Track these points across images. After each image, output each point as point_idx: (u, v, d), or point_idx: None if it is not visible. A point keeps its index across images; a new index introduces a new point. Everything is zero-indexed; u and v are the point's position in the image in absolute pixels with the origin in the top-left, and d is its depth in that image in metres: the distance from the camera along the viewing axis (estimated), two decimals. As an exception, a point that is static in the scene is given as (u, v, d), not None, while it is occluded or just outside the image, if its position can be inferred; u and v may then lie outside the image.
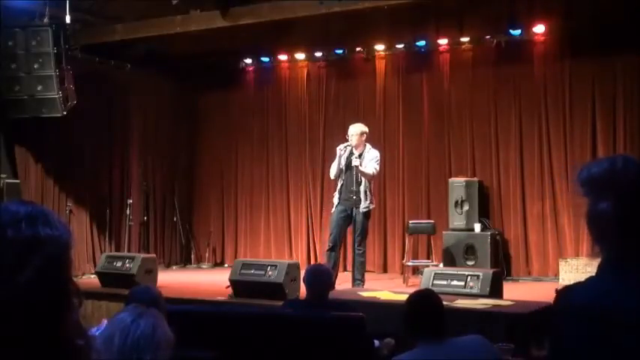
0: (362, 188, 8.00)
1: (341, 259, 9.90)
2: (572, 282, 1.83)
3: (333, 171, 8.23)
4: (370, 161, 8.07)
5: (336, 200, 8.22)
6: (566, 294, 1.75)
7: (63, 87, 8.73)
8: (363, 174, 7.98)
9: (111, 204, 10.54)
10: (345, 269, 9.79)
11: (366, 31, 9.81)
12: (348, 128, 8.29)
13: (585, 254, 8.85)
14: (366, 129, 8.24)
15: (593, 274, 1.70)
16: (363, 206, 8.01)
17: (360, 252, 8.17)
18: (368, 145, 8.21)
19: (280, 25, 9.04)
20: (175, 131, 11.60)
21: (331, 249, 8.16)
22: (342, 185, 8.16)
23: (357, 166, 7.95)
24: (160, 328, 2.04)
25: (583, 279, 1.76)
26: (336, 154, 8.22)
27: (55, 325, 1.22)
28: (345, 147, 8.11)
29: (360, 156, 8.05)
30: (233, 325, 4.33)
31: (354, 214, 8.05)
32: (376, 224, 10.32)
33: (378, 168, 8.17)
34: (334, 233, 8.18)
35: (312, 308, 4.68)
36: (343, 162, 8.09)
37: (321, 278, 4.82)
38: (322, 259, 9.27)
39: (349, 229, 8.32)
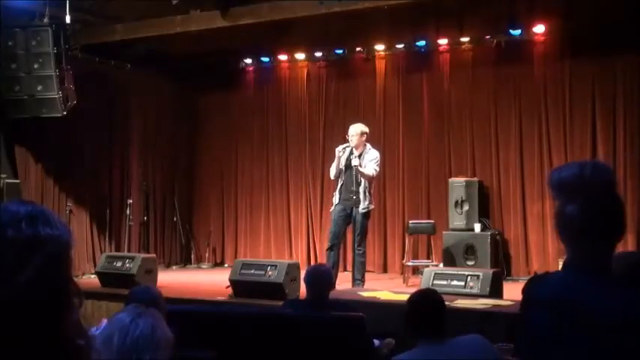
0: (361, 189, 8.00)
1: (341, 259, 9.91)
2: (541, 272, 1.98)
3: (332, 171, 8.23)
4: (370, 162, 8.07)
5: (335, 200, 8.23)
6: (534, 284, 1.88)
7: (63, 87, 8.73)
8: (363, 174, 7.98)
9: (111, 204, 10.54)
10: (345, 269, 9.80)
11: (366, 31, 9.81)
12: (348, 128, 8.28)
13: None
14: (366, 129, 8.23)
15: (559, 269, 1.84)
16: (363, 207, 8.01)
17: (360, 252, 8.17)
18: (368, 145, 8.21)
19: (280, 25, 9.04)
20: (175, 131, 11.59)
21: (330, 248, 8.16)
22: (341, 185, 8.16)
23: (356, 166, 7.95)
24: (159, 328, 2.04)
25: (550, 271, 1.92)
26: (335, 155, 8.22)
27: (55, 325, 1.22)
28: (344, 147, 8.11)
29: (359, 156, 8.05)
30: (233, 325, 4.33)
31: (353, 213, 8.06)
32: (376, 224, 10.32)
33: (377, 169, 8.17)
34: (333, 233, 8.18)
35: (312, 308, 4.68)
36: (343, 162, 8.09)
37: (321, 278, 4.82)
38: (322, 259, 9.27)
39: (349, 229, 8.32)
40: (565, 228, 1.78)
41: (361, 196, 7.99)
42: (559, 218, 1.79)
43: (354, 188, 8.01)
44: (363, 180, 8.00)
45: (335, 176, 8.22)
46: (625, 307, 1.67)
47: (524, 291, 1.88)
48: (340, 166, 8.10)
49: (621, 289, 1.73)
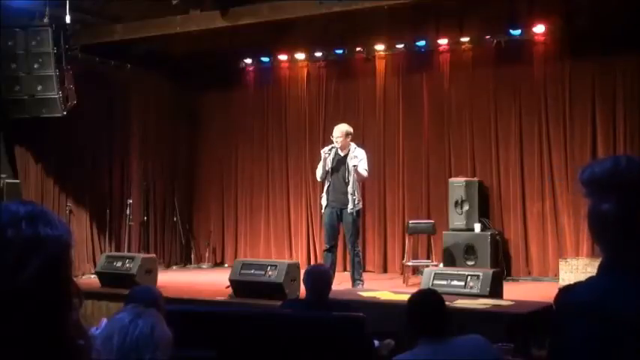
0: (349, 189, 8.00)
1: (341, 259, 9.92)
2: (572, 282, 1.84)
3: (319, 173, 8.22)
4: (361, 161, 8.06)
5: (324, 202, 8.24)
6: (566, 293, 1.76)
7: (63, 87, 8.73)
8: (359, 175, 7.98)
9: (111, 204, 10.54)
10: (344, 269, 9.80)
11: (366, 31, 9.81)
12: (341, 129, 8.26)
13: (586, 254, 8.85)
14: (350, 129, 8.19)
15: (594, 274, 1.70)
16: (351, 207, 8.00)
17: (356, 252, 8.18)
18: (353, 145, 8.18)
19: (280, 25, 9.05)
20: (175, 131, 11.59)
21: (328, 250, 8.18)
22: (328, 187, 8.16)
23: (355, 166, 7.94)
24: (159, 327, 2.04)
25: (583, 278, 1.77)
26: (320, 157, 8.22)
27: (55, 325, 1.22)
28: (330, 149, 8.11)
29: (346, 156, 8.05)
30: (233, 325, 4.33)
31: (343, 215, 8.06)
32: (376, 224, 10.33)
33: (368, 168, 8.17)
34: (330, 234, 8.19)
35: (312, 308, 4.68)
36: (329, 164, 8.08)
37: (320, 278, 4.82)
38: (322, 260, 9.27)
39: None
40: (601, 227, 1.67)
41: (349, 197, 7.98)
42: (593, 217, 1.67)
43: (343, 190, 8.02)
44: (351, 180, 7.99)
45: (321, 178, 8.22)
46: None
47: (556, 302, 1.79)
48: (327, 168, 8.09)
49: None
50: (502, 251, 9.42)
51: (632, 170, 1.66)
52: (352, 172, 7.99)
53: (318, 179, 8.34)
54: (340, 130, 8.11)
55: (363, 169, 8.05)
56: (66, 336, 1.24)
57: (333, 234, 8.19)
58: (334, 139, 8.09)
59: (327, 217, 8.23)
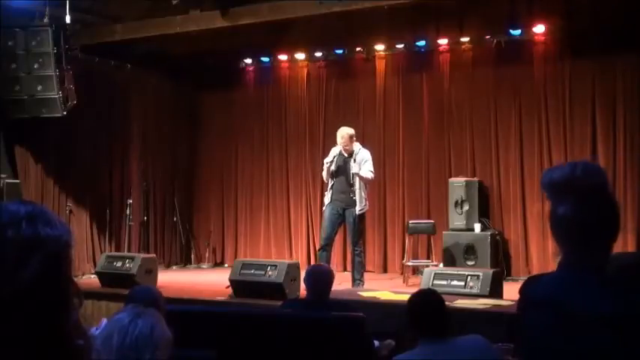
0: (356, 190, 8.00)
1: (341, 259, 9.92)
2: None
3: (324, 174, 8.23)
4: (365, 163, 8.06)
5: (327, 199, 8.23)
6: (530, 284, 1.91)
7: (63, 87, 8.73)
8: (362, 179, 7.99)
9: (111, 204, 10.54)
10: (345, 269, 9.80)
11: (366, 31, 9.81)
12: (345, 134, 8.26)
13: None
14: (353, 131, 8.20)
15: (554, 270, 1.84)
16: (359, 208, 8.00)
17: (358, 252, 8.17)
18: (358, 145, 8.19)
19: (280, 25, 9.05)
20: (175, 131, 11.59)
21: (323, 248, 8.16)
22: (332, 185, 8.16)
23: (356, 174, 7.96)
24: (158, 327, 2.04)
25: (547, 272, 1.93)
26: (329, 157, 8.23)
27: (55, 325, 1.22)
28: (334, 156, 8.12)
29: (350, 157, 8.05)
30: (233, 325, 4.33)
31: (346, 215, 8.06)
32: (376, 224, 10.33)
33: (373, 169, 8.17)
34: (327, 232, 8.18)
35: (313, 308, 4.68)
36: (333, 166, 8.09)
37: (321, 278, 4.82)
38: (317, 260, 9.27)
39: (340, 229, 8.34)
40: (558, 228, 1.80)
41: (357, 198, 7.98)
42: (552, 219, 1.81)
43: (347, 190, 8.02)
44: (357, 181, 7.99)
45: (327, 180, 8.24)
46: (613, 305, 1.68)
47: (521, 291, 1.91)
48: (332, 169, 8.08)
49: (611, 288, 1.74)
50: (502, 251, 9.42)
51: (587, 176, 1.79)
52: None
53: (325, 179, 8.36)
54: (344, 135, 8.10)
55: (368, 170, 8.05)
56: (66, 336, 1.24)
57: (331, 232, 8.18)
58: (340, 145, 8.08)
59: (327, 214, 8.20)
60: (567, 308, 1.71)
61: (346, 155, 8.07)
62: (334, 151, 8.17)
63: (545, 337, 1.73)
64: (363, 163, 8.05)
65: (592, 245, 1.76)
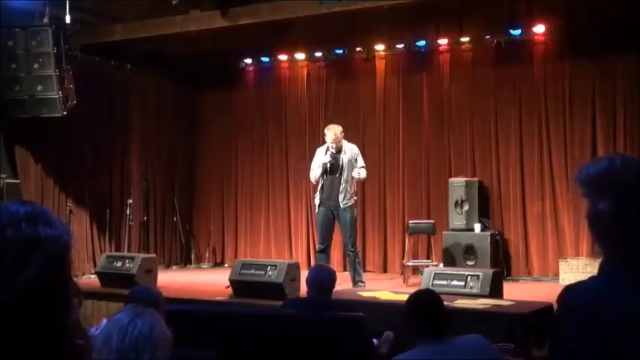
0: (342, 186, 8.03)
1: (341, 260, 9.91)
2: (572, 282, 1.87)
3: (314, 176, 8.21)
4: (358, 158, 8.14)
5: (317, 201, 8.25)
6: (568, 292, 1.77)
7: (63, 87, 8.73)
8: (361, 179, 8.05)
9: (111, 204, 10.54)
10: (345, 269, 9.79)
11: (366, 31, 9.80)
12: (347, 128, 8.28)
13: (586, 254, 8.85)
14: (341, 128, 8.28)
15: (595, 274, 1.71)
16: (343, 203, 8.01)
17: (354, 252, 8.18)
18: (344, 142, 8.24)
19: (280, 25, 9.04)
20: (175, 131, 11.59)
21: (322, 251, 8.16)
22: (322, 186, 8.17)
23: (357, 178, 8.01)
24: (158, 327, 2.04)
25: (584, 278, 1.79)
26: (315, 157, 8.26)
27: (55, 325, 1.22)
28: (327, 150, 8.13)
29: (339, 152, 8.08)
30: (233, 325, 4.33)
31: (339, 215, 8.08)
32: (376, 224, 10.33)
33: (364, 164, 8.25)
34: (323, 235, 8.18)
35: (313, 308, 4.68)
36: (321, 166, 8.10)
37: (324, 278, 4.81)
38: (315, 260, 9.26)
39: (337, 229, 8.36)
40: (599, 227, 1.68)
41: (341, 194, 8.01)
42: (591, 217, 1.68)
43: (336, 188, 8.05)
44: (344, 177, 8.03)
45: (316, 181, 8.24)
46: None
47: (558, 301, 1.81)
48: (326, 166, 8.09)
49: None
50: (502, 251, 9.42)
51: (627, 169, 1.67)
52: (346, 170, 8.03)
53: (314, 181, 8.33)
54: (335, 132, 8.14)
55: (362, 168, 8.10)
56: (66, 336, 1.24)
57: (327, 235, 8.19)
58: (330, 143, 8.11)
59: (320, 217, 8.23)
60: (616, 315, 1.60)
61: (335, 152, 8.09)
62: (322, 151, 8.18)
63: (591, 349, 1.62)
64: (355, 160, 8.12)
65: (634, 245, 1.64)
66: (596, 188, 1.68)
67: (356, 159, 8.15)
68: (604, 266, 1.69)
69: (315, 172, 8.19)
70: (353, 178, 8.06)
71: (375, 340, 4.38)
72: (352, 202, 8.15)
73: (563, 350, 1.71)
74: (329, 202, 8.12)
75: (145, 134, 11.07)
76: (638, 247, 1.64)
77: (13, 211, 1.25)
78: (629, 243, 1.64)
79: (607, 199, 1.65)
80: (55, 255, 1.24)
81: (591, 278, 1.75)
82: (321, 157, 8.16)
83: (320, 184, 8.19)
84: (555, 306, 1.81)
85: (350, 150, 8.15)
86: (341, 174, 8.05)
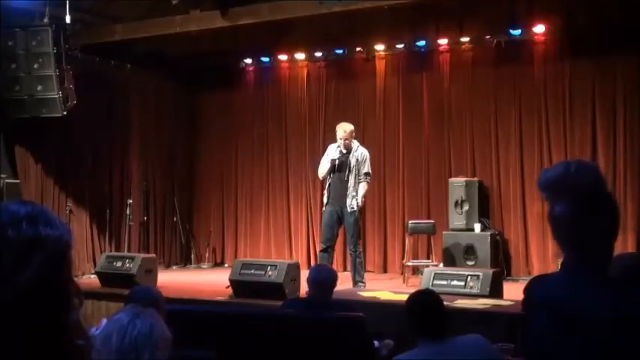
0: (350, 188, 8.02)
1: (342, 259, 9.91)
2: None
3: (322, 171, 8.20)
4: (365, 162, 8.10)
5: (325, 200, 8.25)
6: (535, 285, 1.91)
7: (63, 87, 8.73)
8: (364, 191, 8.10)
9: (111, 204, 10.54)
10: (345, 269, 9.79)
11: (366, 31, 9.80)
12: (336, 129, 8.26)
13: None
14: (353, 127, 8.26)
15: (557, 270, 1.85)
16: (350, 206, 8.01)
17: (357, 253, 8.17)
18: (355, 143, 8.22)
19: (280, 25, 9.04)
20: (175, 131, 11.59)
21: (324, 250, 8.15)
22: (329, 185, 8.17)
23: (365, 180, 8.08)
24: (158, 327, 2.04)
25: (549, 272, 1.91)
26: (324, 153, 8.23)
27: (55, 325, 1.22)
28: (336, 149, 8.12)
29: (348, 153, 8.06)
30: (233, 325, 4.33)
31: (344, 215, 8.07)
32: (376, 224, 10.33)
33: (370, 171, 8.21)
34: (327, 235, 8.18)
35: (313, 308, 4.68)
36: (329, 162, 8.09)
37: (325, 278, 4.82)
38: (318, 260, 9.26)
39: (342, 229, 8.35)
40: (556, 229, 1.80)
41: (348, 197, 8.00)
42: (550, 219, 1.80)
43: (343, 188, 8.04)
44: (351, 179, 8.01)
45: (323, 177, 8.24)
46: (615, 305, 1.68)
47: (525, 291, 1.90)
48: (335, 163, 8.08)
49: (613, 288, 1.74)
50: (502, 251, 9.42)
51: (581, 174, 1.79)
52: (353, 171, 8.02)
53: (321, 176, 8.33)
54: (345, 129, 8.12)
55: (368, 175, 8.10)
56: (66, 336, 1.24)
57: (331, 235, 8.18)
58: (340, 140, 8.08)
59: (326, 217, 8.22)
60: (569, 309, 1.70)
61: (345, 151, 8.08)
62: (333, 148, 8.17)
63: (548, 338, 1.72)
64: (363, 162, 8.07)
65: (591, 245, 1.74)
66: (553, 192, 1.79)
67: (364, 162, 8.12)
68: (566, 264, 1.81)
69: (323, 167, 8.18)
70: (359, 183, 8.05)
71: (376, 342, 4.38)
72: (360, 206, 8.14)
73: (529, 337, 1.84)
74: (335, 201, 8.11)
75: (145, 134, 11.07)
76: (594, 248, 1.75)
77: (13, 211, 1.25)
78: (587, 244, 1.75)
79: (563, 203, 1.76)
80: (55, 255, 1.24)
81: (553, 274, 1.88)
82: (331, 153, 8.14)
83: (327, 183, 8.19)
84: (523, 294, 1.92)
85: (360, 153, 8.13)
86: (349, 175, 8.03)
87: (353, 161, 8.04)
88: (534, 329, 1.77)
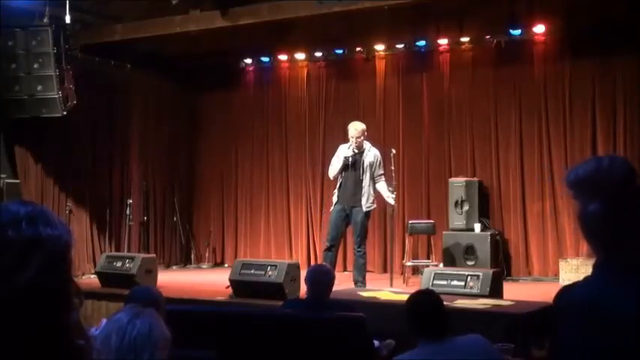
0: (363, 188, 8.00)
1: (342, 259, 9.91)
2: (572, 281, 1.86)
3: (334, 171, 8.18)
4: (380, 165, 8.10)
5: (335, 199, 8.22)
6: (562, 294, 1.79)
7: (63, 87, 8.73)
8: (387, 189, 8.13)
9: (111, 204, 10.54)
10: (345, 269, 9.79)
11: (366, 31, 9.81)
12: (348, 128, 8.25)
13: (586, 254, 8.85)
14: (365, 127, 8.24)
15: (589, 274, 1.73)
16: (366, 205, 8.00)
17: (361, 253, 8.16)
18: (367, 144, 8.20)
19: (280, 25, 9.05)
20: (175, 131, 11.59)
21: (329, 249, 8.14)
22: (340, 184, 8.15)
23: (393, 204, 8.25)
24: (157, 327, 2.04)
25: (581, 279, 1.79)
26: (335, 153, 8.20)
27: (55, 324, 1.22)
28: (348, 148, 8.10)
29: (361, 155, 8.05)
30: (233, 325, 4.33)
31: (353, 213, 8.05)
32: (376, 224, 10.31)
33: (384, 172, 8.22)
34: (332, 233, 8.16)
35: (313, 308, 4.68)
36: (341, 163, 8.07)
37: (321, 279, 4.82)
38: (322, 259, 9.26)
39: (348, 229, 8.33)
40: (590, 228, 1.68)
41: (364, 196, 7.99)
42: (582, 219, 1.69)
43: (354, 189, 8.02)
44: (365, 180, 8.00)
45: (334, 177, 8.21)
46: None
47: (554, 302, 1.80)
48: (347, 162, 8.06)
49: None
50: (502, 251, 9.42)
51: (614, 170, 1.68)
52: (367, 171, 8.01)
53: (331, 176, 8.29)
54: (357, 128, 8.09)
55: (382, 175, 8.14)
56: (66, 336, 1.24)
57: (336, 234, 8.17)
58: (352, 138, 8.06)
59: (333, 216, 8.19)
60: (594, 310, 1.62)
61: (357, 151, 8.06)
62: (344, 148, 8.14)
63: (574, 342, 1.65)
64: (378, 164, 8.08)
65: (625, 244, 1.65)
66: (585, 190, 1.72)
67: (379, 164, 8.11)
68: (597, 266, 1.70)
69: (335, 166, 8.13)
70: (375, 182, 8.04)
71: (376, 342, 4.38)
72: (372, 207, 8.14)
73: (561, 349, 1.71)
74: (344, 200, 8.10)
75: (144, 134, 11.06)
76: (629, 247, 1.65)
77: (13, 211, 1.25)
78: (620, 243, 1.65)
79: (596, 200, 1.65)
80: (55, 255, 1.24)
81: (585, 278, 1.76)
82: (342, 152, 8.12)
83: (338, 182, 8.17)
84: (553, 305, 1.81)
85: (374, 154, 8.11)
86: (363, 175, 8.02)
87: (366, 162, 8.02)
88: (567, 336, 1.69)
